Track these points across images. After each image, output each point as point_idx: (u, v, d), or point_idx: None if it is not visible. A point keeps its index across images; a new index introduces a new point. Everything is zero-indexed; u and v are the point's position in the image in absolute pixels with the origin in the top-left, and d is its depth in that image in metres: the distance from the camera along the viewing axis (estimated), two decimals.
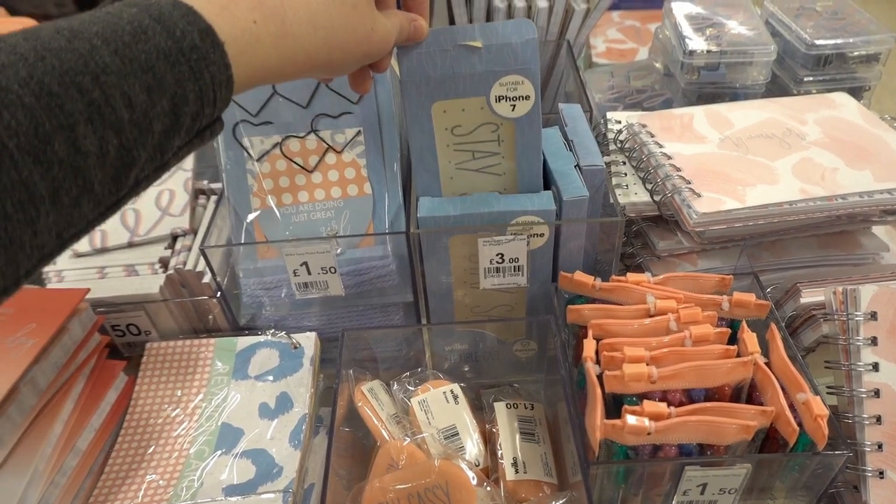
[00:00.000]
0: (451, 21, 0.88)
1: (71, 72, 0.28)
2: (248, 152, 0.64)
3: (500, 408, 0.59)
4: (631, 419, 0.46)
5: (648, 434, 0.47)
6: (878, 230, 0.69)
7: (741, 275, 0.61)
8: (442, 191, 0.59)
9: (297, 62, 0.38)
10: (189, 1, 0.33)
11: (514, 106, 0.55)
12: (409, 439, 0.55)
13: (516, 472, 0.54)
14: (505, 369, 0.69)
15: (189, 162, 0.75)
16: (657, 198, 0.63)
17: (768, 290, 0.61)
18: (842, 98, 0.72)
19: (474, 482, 0.51)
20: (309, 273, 0.61)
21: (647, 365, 0.50)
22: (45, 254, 0.29)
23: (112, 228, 0.69)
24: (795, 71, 0.78)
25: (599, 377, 0.51)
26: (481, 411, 0.62)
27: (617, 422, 0.47)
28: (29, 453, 0.52)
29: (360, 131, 0.63)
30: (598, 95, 0.90)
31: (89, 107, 0.28)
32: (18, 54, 0.27)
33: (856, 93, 0.78)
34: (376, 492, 0.52)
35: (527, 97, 0.55)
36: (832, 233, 0.67)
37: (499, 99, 0.55)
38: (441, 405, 0.59)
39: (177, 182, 0.73)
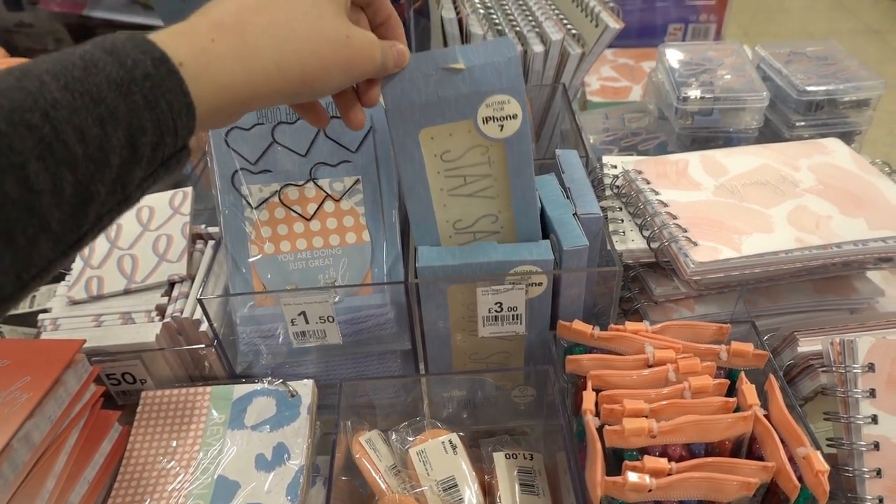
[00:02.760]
0: None
1: (19, 109, 0.27)
2: (246, 200, 0.64)
3: (499, 458, 0.59)
4: (632, 476, 0.46)
5: (650, 491, 0.46)
6: (872, 275, 0.69)
7: (738, 322, 0.61)
8: (436, 218, 0.58)
9: (269, 77, 0.37)
10: (151, 35, 0.33)
11: (503, 126, 0.54)
12: (408, 492, 0.55)
13: None
14: (503, 415, 0.69)
15: (187, 206, 0.75)
16: (654, 245, 0.63)
17: (766, 337, 0.61)
18: (834, 144, 0.73)
19: None
20: (307, 322, 0.61)
21: (647, 418, 0.50)
22: (4, 296, 0.28)
23: (109, 275, 0.69)
24: (787, 116, 0.80)
25: (599, 430, 0.51)
26: (480, 460, 0.62)
27: (618, 479, 0.47)
28: None
29: (358, 180, 0.64)
30: (594, 137, 0.91)
31: (39, 143, 0.27)
32: None
33: (847, 137, 0.79)
34: None
35: (514, 116, 0.54)
36: (828, 277, 0.67)
37: (486, 120, 0.54)
38: (439, 456, 0.59)
39: (174, 227, 0.73)
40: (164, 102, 0.31)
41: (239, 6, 0.37)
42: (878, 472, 0.50)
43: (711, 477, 0.46)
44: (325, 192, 0.64)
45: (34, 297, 0.82)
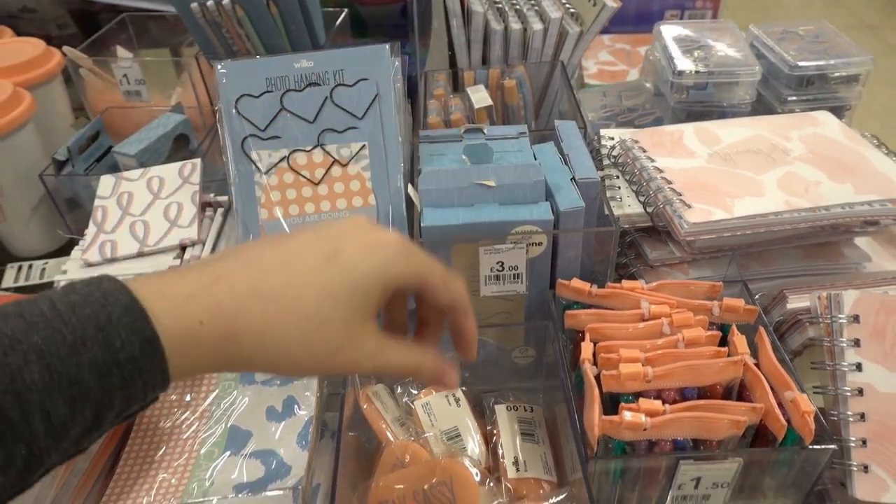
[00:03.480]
0: (450, 42, 0.91)
1: None
2: (256, 165, 0.66)
3: (500, 410, 0.61)
4: (628, 415, 0.49)
5: (644, 430, 0.49)
6: (860, 241, 0.72)
7: (730, 283, 0.64)
8: None
9: (237, 364, 0.35)
10: (149, 295, 0.32)
11: (527, 250, 0.60)
12: (413, 439, 0.57)
13: (517, 470, 0.56)
14: (504, 376, 0.71)
15: (196, 176, 0.77)
16: (650, 209, 0.66)
17: (756, 296, 0.63)
18: (824, 116, 0.76)
19: (477, 479, 0.52)
20: None
21: (643, 365, 0.52)
22: None
23: (122, 239, 0.71)
24: (780, 91, 0.82)
25: (597, 378, 0.53)
26: (482, 416, 0.64)
27: (615, 418, 0.49)
28: None
29: (364, 145, 0.66)
30: (591, 114, 0.93)
31: (4, 425, 0.27)
32: None
33: (837, 112, 0.82)
34: (382, 490, 0.54)
35: (539, 244, 0.60)
36: (817, 244, 0.70)
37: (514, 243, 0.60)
38: (443, 408, 0.61)
39: (184, 195, 0.75)
40: (140, 382, 0.31)
41: (252, 283, 0.35)
42: (862, 416, 0.53)
43: (703, 416, 0.49)
44: (332, 157, 0.66)
45: (44, 269, 0.84)
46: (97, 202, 0.76)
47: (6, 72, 0.92)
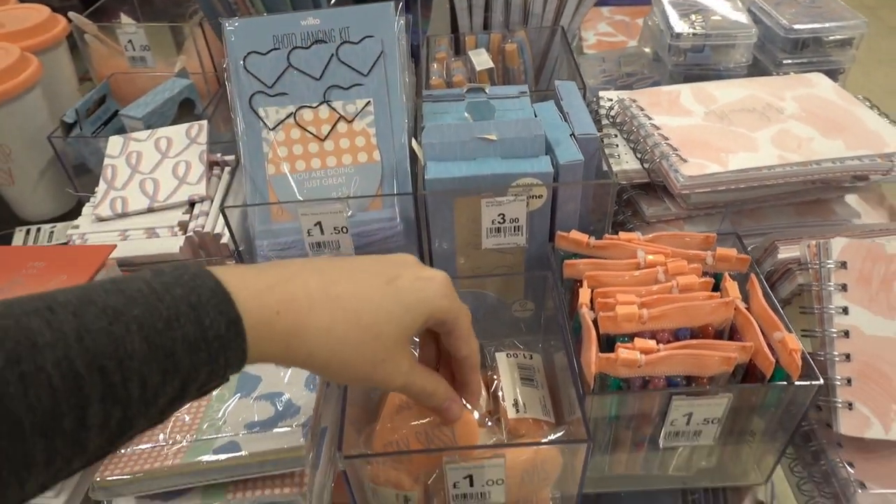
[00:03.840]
0: (452, 7, 0.93)
1: (100, 355, 0.30)
2: (263, 122, 0.68)
3: (500, 357, 0.64)
4: (623, 352, 0.51)
5: (639, 366, 0.51)
6: (850, 199, 0.74)
7: (724, 235, 0.66)
8: (455, 263, 0.67)
9: (298, 357, 0.39)
10: (232, 282, 0.35)
11: (528, 202, 0.62)
12: None
13: (517, 411, 0.58)
14: (504, 329, 0.73)
15: (203, 136, 0.79)
16: (646, 164, 0.68)
17: (749, 248, 0.65)
18: (818, 78, 0.78)
19: (476, 417, 0.55)
20: (322, 233, 0.65)
21: (639, 308, 0.54)
22: (25, 497, 0.30)
23: (132, 195, 0.73)
24: (775, 54, 0.84)
25: (594, 322, 0.56)
26: (483, 366, 0.66)
27: (611, 355, 0.51)
28: None
29: (369, 102, 0.68)
30: (591, 80, 0.95)
31: (107, 388, 0.30)
32: (61, 332, 0.29)
33: (831, 75, 0.83)
34: (387, 431, 0.56)
35: (539, 197, 0.62)
36: (808, 201, 0.72)
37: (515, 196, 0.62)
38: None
39: (192, 154, 0.77)
40: (223, 359, 0.35)
41: (322, 285, 0.39)
42: (848, 357, 0.55)
43: (695, 353, 0.51)
44: (338, 113, 0.68)
45: (52, 232, 0.86)
46: (107, 161, 0.77)
47: (12, 36, 0.93)
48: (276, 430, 0.55)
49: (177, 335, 0.32)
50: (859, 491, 0.53)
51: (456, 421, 0.49)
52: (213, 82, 1.02)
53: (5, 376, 0.27)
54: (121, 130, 0.89)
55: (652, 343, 0.52)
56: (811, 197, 0.71)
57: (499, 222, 0.64)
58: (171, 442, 0.55)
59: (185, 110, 0.93)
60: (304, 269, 0.40)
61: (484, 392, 0.61)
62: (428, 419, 0.55)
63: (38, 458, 0.29)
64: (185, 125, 0.80)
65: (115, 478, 0.52)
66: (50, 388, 0.28)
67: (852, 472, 0.55)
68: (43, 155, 0.90)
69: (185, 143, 0.78)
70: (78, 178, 0.88)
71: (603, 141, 0.73)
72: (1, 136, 0.87)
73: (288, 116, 0.68)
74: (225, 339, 0.34)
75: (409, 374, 0.43)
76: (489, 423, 0.56)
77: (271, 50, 0.67)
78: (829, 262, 0.57)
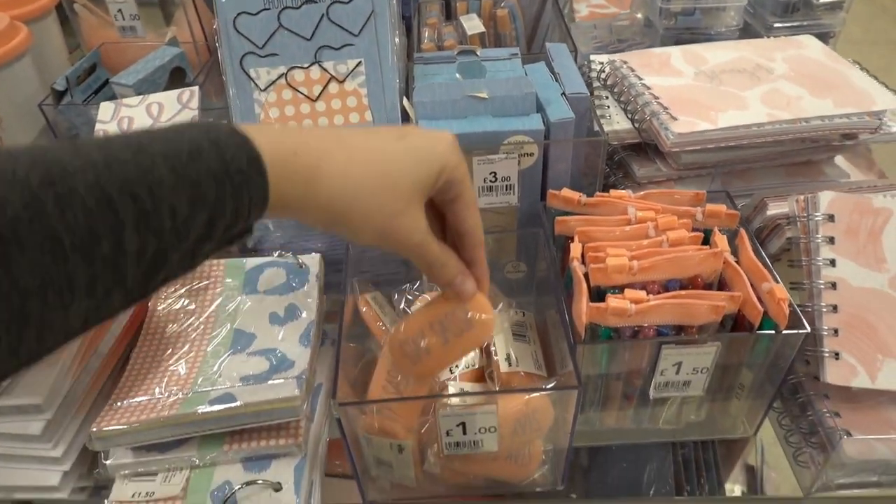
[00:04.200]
0: None
1: (130, 182, 0.30)
2: (254, 83, 0.68)
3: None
4: (614, 301, 0.51)
5: (629, 315, 0.52)
6: (839, 162, 0.75)
7: (714, 194, 0.66)
8: None
9: (318, 207, 0.39)
10: (247, 128, 0.36)
11: (519, 160, 0.62)
12: None
13: (509, 365, 0.59)
14: (498, 289, 0.74)
15: (194, 102, 0.79)
16: (637, 123, 0.68)
17: (738, 207, 0.66)
18: (808, 40, 0.78)
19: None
20: None
21: (629, 260, 0.55)
22: (69, 335, 0.31)
23: None
24: (765, 18, 0.84)
25: (585, 275, 0.56)
26: None
27: (601, 305, 0.52)
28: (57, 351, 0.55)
29: (360, 62, 0.68)
30: (582, 48, 0.95)
31: (139, 214, 0.31)
32: (90, 161, 0.30)
33: (822, 38, 0.84)
34: (402, 333, 0.51)
35: (530, 154, 0.62)
36: (798, 162, 0.72)
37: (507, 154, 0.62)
38: None
39: (184, 119, 0.77)
40: (247, 196, 0.35)
41: (336, 137, 0.40)
42: (835, 308, 0.56)
43: (684, 302, 0.52)
44: (329, 73, 0.67)
45: None
46: (98, 126, 0.77)
47: (1, 5, 0.92)
48: (270, 381, 0.55)
49: (201, 167, 0.33)
50: (845, 437, 0.54)
51: (471, 297, 0.47)
52: (203, 52, 1.01)
53: (41, 197, 0.28)
54: (112, 98, 0.89)
55: (642, 293, 0.53)
56: (801, 158, 0.72)
57: (491, 181, 0.65)
58: (167, 394, 0.55)
59: (175, 79, 0.93)
60: (314, 127, 0.41)
61: (478, 350, 0.62)
62: (441, 311, 0.49)
63: (80, 281, 0.29)
64: (177, 91, 0.80)
65: (112, 428, 0.52)
66: (85, 210, 0.29)
67: (839, 420, 0.56)
68: (34, 124, 0.89)
69: (177, 108, 0.78)
70: None
71: (594, 102, 0.73)
72: None
73: (279, 77, 0.68)
74: (247, 175, 0.35)
75: (427, 234, 0.43)
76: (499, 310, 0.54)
77: (261, 10, 0.67)
78: (817, 214, 0.58)
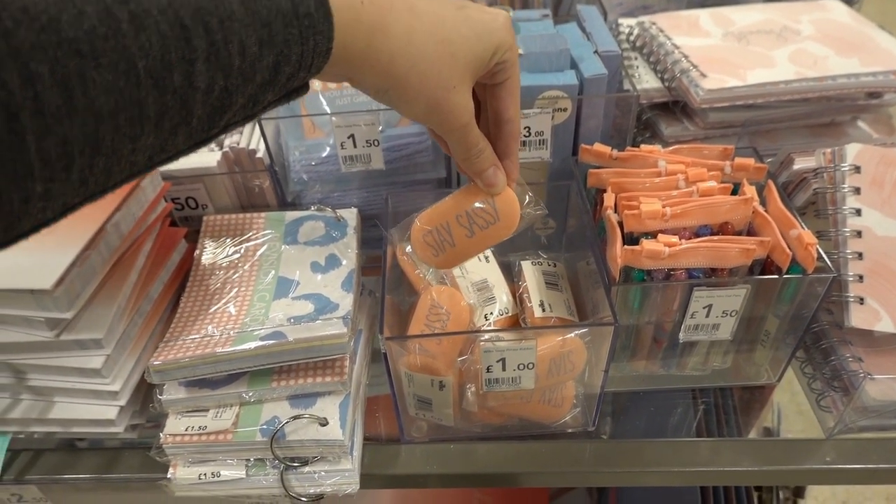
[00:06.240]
0: None
1: (203, 10, 0.29)
2: None
3: (525, 265, 0.67)
4: (649, 244, 0.54)
5: (663, 258, 0.54)
6: (862, 124, 0.76)
7: (741, 150, 0.68)
8: None
9: (379, 65, 0.38)
10: None
11: (553, 115, 0.64)
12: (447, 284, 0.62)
13: (543, 311, 0.62)
14: (527, 247, 0.76)
15: None
16: (667, 82, 0.70)
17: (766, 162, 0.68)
18: (833, 3, 0.79)
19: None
20: (355, 146, 0.67)
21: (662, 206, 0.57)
22: (134, 171, 0.31)
23: None
24: None
25: (619, 224, 0.58)
26: (509, 276, 0.69)
27: (636, 247, 0.54)
28: (114, 291, 0.58)
29: None
30: (610, 12, 0.96)
31: (210, 47, 0.30)
32: None
33: (846, 2, 0.85)
34: (425, 221, 0.52)
35: (564, 110, 0.64)
36: (822, 123, 0.74)
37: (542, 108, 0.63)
38: (474, 263, 0.66)
39: None
40: (312, 42, 0.34)
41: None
42: (860, 256, 0.58)
43: (716, 245, 0.54)
44: None
45: None
46: None
47: None
48: (318, 321, 0.58)
49: (271, 4, 0.32)
50: (868, 378, 0.56)
51: (500, 191, 0.48)
52: None
53: (116, 14, 0.27)
54: None
55: (675, 238, 0.55)
56: (825, 119, 0.74)
57: (525, 136, 0.67)
58: (219, 333, 0.58)
59: None
60: None
61: (511, 297, 0.64)
62: (466, 202, 0.49)
63: (150, 111, 0.29)
64: None
65: (169, 361, 0.55)
66: (159, 33, 0.28)
67: (861, 364, 0.58)
68: None
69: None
70: None
71: (624, 63, 0.75)
72: None
73: None
74: (314, 19, 0.34)
75: (473, 116, 0.43)
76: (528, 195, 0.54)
77: None
78: (843, 165, 0.59)
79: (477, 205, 0.49)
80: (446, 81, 0.40)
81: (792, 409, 0.70)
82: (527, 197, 0.51)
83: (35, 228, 0.28)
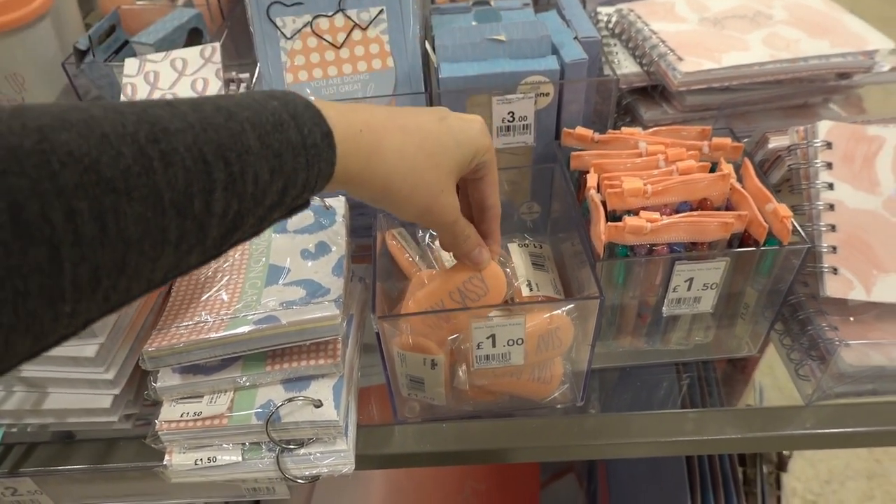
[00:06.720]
0: None
1: (223, 146, 0.33)
2: (280, 31, 0.71)
3: (512, 247, 0.68)
4: (631, 220, 0.55)
5: (645, 233, 0.56)
6: (834, 108, 0.79)
7: (718, 131, 0.70)
8: None
9: (375, 182, 0.42)
10: (316, 103, 0.39)
11: (536, 100, 0.66)
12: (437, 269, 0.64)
13: (530, 290, 0.63)
14: (513, 230, 0.78)
15: (216, 56, 0.81)
16: (646, 66, 0.72)
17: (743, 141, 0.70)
18: None
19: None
20: None
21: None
22: (150, 287, 0.33)
23: None
24: None
25: (602, 203, 0.60)
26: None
27: (619, 224, 0.56)
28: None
29: (382, 9, 0.71)
30: (589, 4, 0.98)
31: (229, 177, 0.33)
32: (188, 122, 0.32)
33: None
34: (419, 301, 0.56)
35: (546, 94, 0.66)
36: (795, 105, 0.76)
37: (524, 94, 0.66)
38: None
39: (208, 72, 0.80)
40: (317, 168, 0.38)
41: (389, 116, 0.44)
42: (833, 227, 0.60)
43: (695, 220, 0.56)
44: (352, 21, 0.71)
45: None
46: (125, 80, 0.80)
47: None
48: (310, 304, 0.59)
49: (283, 138, 0.36)
50: (843, 346, 0.58)
51: (487, 266, 0.53)
52: (217, 16, 1.04)
53: (149, 152, 0.30)
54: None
55: (656, 214, 0.57)
56: (798, 100, 0.76)
57: (508, 120, 0.68)
58: (211, 319, 0.59)
59: (193, 40, 0.95)
60: (369, 106, 0.44)
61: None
62: (457, 278, 0.55)
63: (171, 235, 0.31)
64: (199, 47, 0.83)
65: (163, 347, 0.56)
66: (184, 169, 0.31)
67: (836, 333, 0.60)
68: (56, 84, 0.92)
69: (200, 62, 0.81)
70: None
71: (603, 49, 0.76)
72: (14, 64, 0.89)
73: (304, 25, 0.71)
74: (320, 148, 0.38)
75: (459, 211, 0.48)
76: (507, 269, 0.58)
77: None
78: (816, 141, 0.62)
79: (467, 280, 0.54)
80: (434, 188, 0.45)
81: (772, 377, 0.72)
82: (507, 268, 0.58)
83: (58, 341, 0.30)
